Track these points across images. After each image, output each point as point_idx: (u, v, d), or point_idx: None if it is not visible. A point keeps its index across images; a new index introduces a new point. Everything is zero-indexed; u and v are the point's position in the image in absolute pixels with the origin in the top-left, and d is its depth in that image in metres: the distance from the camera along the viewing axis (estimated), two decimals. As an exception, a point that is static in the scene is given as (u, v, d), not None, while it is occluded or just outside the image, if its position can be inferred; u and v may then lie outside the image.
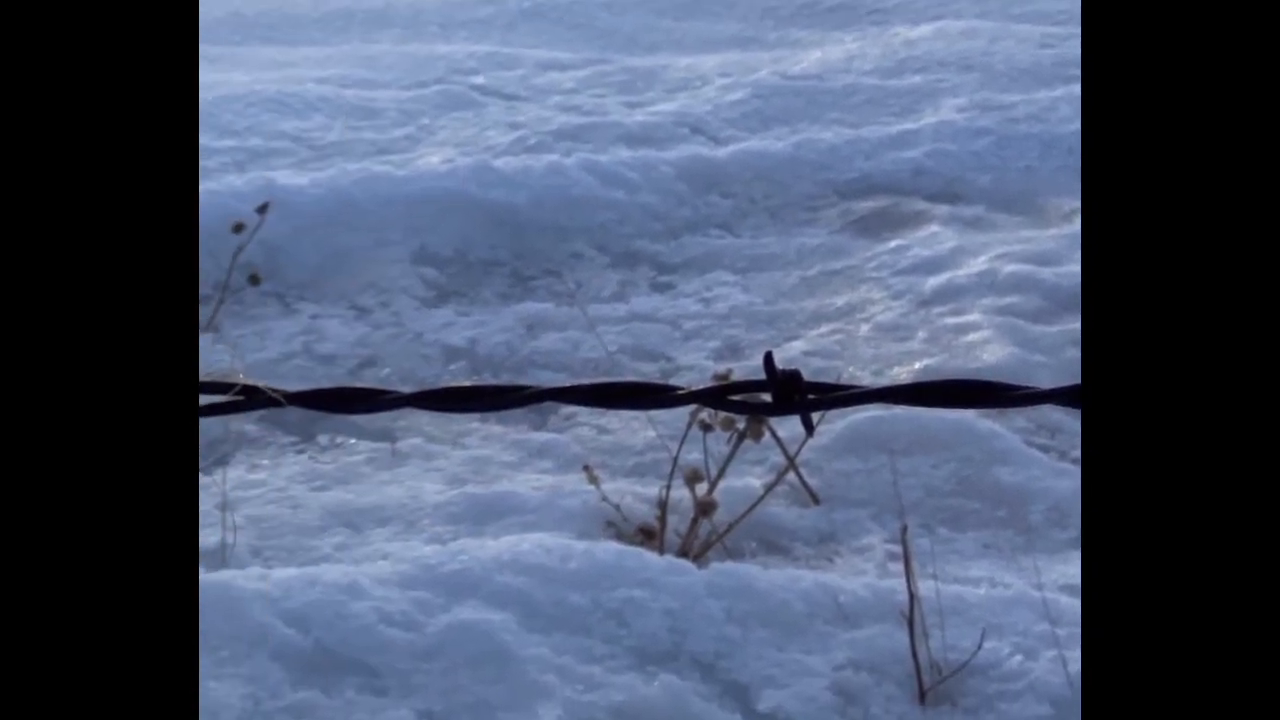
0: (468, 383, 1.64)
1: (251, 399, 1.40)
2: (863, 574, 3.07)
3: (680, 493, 3.13)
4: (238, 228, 4.19)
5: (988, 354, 3.98)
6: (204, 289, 4.43)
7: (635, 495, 3.29)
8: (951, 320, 4.23)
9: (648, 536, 3.11)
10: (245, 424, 3.68)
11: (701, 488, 3.09)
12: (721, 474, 3.17)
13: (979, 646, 2.68)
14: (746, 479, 3.35)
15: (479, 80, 6.81)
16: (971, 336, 4.11)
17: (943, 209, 5.14)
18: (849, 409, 3.22)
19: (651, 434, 3.55)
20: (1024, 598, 2.89)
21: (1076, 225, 4.83)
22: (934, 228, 4.95)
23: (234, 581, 2.83)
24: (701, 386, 1.42)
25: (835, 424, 3.54)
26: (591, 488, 3.20)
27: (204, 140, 5.79)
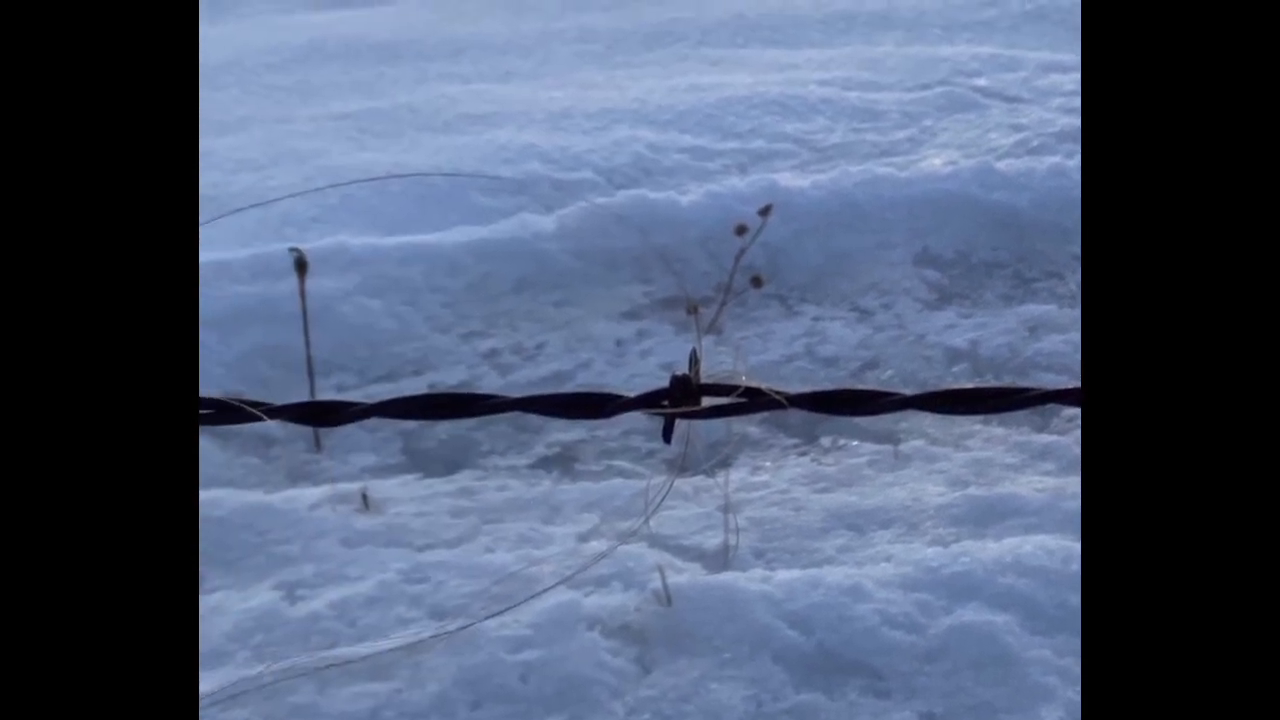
0: (970, 385, 1.64)
1: (754, 401, 1.42)
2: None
3: (1187, 497, 3.06)
4: (740, 230, 4.25)
5: None
6: (706, 291, 4.51)
7: (1140, 499, 3.22)
8: None
9: (1153, 541, 3.05)
10: (748, 426, 3.72)
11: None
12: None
13: None
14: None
15: (981, 82, 6.77)
16: None
17: None
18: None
19: (1158, 437, 3.48)
20: None
21: None
22: None
23: (737, 583, 2.87)
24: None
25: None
26: (1095, 491, 3.16)
27: (706, 142, 5.88)
